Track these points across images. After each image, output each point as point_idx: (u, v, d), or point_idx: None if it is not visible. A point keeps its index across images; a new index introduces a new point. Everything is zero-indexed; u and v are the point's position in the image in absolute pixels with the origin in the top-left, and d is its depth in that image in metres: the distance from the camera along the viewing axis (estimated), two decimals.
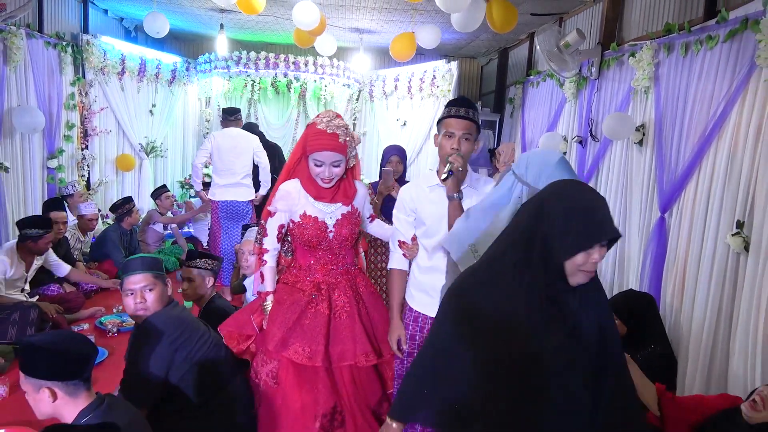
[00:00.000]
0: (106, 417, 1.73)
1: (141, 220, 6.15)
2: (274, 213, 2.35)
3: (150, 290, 2.27)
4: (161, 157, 7.42)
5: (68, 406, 1.76)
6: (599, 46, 4.45)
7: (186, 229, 6.77)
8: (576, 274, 1.32)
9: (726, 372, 2.81)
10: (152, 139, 7.14)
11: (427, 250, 2.24)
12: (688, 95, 3.29)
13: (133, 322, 2.53)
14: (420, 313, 2.27)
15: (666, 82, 3.57)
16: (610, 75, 4.38)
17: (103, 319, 4.21)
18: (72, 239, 5.16)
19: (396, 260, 2.35)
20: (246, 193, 5.16)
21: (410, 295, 2.32)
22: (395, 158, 3.73)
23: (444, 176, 2.10)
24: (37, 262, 4.28)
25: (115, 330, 3.99)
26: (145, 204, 6.97)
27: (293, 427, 2.28)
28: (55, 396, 1.73)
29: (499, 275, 1.38)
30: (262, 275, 2.40)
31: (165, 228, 6.29)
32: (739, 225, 2.75)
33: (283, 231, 2.38)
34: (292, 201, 2.32)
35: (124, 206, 5.51)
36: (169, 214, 6.33)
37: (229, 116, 5.25)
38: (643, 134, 3.80)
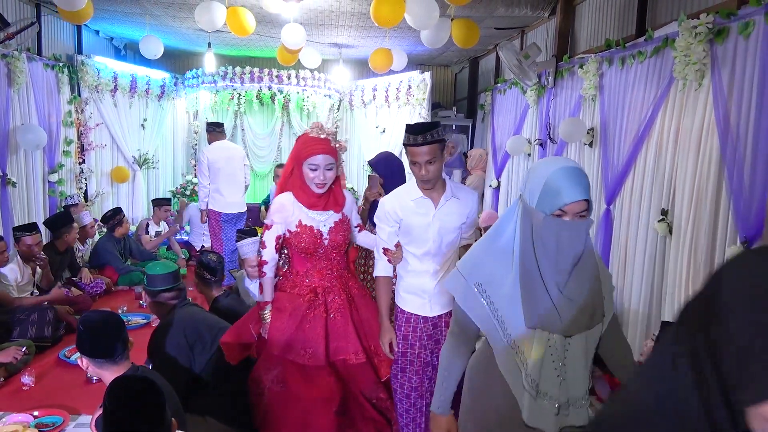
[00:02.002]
0: None
1: (136, 227, 6.55)
2: (271, 225, 2.47)
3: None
4: (153, 168, 7.80)
5: (106, 373, 2.17)
6: (554, 58, 4.95)
7: (180, 237, 7.15)
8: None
9: None
10: (144, 152, 7.51)
11: (416, 256, 2.35)
12: (625, 102, 3.79)
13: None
14: (412, 313, 2.38)
15: (608, 91, 4.07)
16: (564, 84, 4.88)
17: None
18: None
19: (381, 268, 2.44)
20: (243, 205, 5.58)
21: (401, 298, 2.42)
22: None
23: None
24: (39, 269, 4.66)
25: None
26: (139, 213, 7.34)
27: (307, 419, 2.41)
28: (86, 365, 2.17)
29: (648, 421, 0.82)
30: (261, 286, 2.53)
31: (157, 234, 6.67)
32: (664, 213, 3.24)
33: (280, 242, 2.50)
34: (287, 213, 2.44)
35: (114, 218, 5.79)
36: (162, 223, 6.70)
37: (217, 128, 5.65)
38: (593, 137, 4.29)
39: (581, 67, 4.38)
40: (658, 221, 3.25)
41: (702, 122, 2.99)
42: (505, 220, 1.51)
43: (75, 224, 5.08)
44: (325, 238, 2.45)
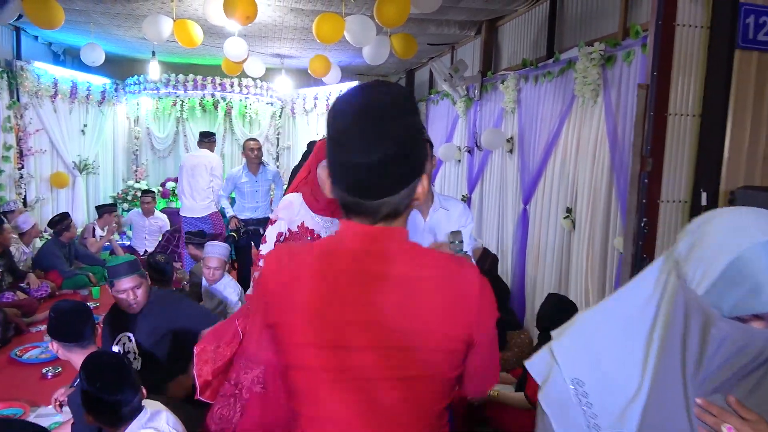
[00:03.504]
0: None
1: (81, 231, 6.60)
2: (275, 221, 2.46)
3: (139, 287, 2.73)
4: (94, 174, 7.81)
5: (74, 356, 2.41)
6: (479, 74, 5.48)
7: (122, 242, 7.21)
8: None
9: None
10: (85, 157, 7.52)
11: None
12: (538, 115, 4.33)
13: None
14: None
15: (525, 105, 4.61)
16: (488, 97, 5.42)
17: None
18: (17, 252, 5.55)
19: None
20: (203, 210, 5.71)
21: None
22: None
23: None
24: None
25: None
26: (80, 219, 7.33)
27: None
28: (57, 348, 2.41)
29: None
30: (254, 279, 2.47)
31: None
32: (569, 210, 3.78)
33: (281, 239, 2.47)
34: (293, 211, 2.43)
35: (62, 222, 5.89)
36: (107, 227, 6.76)
37: (203, 138, 5.93)
38: (512, 145, 4.82)
39: (503, 82, 4.91)
40: (564, 218, 3.78)
41: (597, 134, 3.54)
42: (636, 292, 0.97)
43: (6, 225, 5.12)
44: None
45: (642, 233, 2.23)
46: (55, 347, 2.45)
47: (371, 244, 1.00)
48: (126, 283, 2.69)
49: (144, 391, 2.08)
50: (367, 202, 0.98)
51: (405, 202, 1.00)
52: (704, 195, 2.19)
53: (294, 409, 1.11)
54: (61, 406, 2.51)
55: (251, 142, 5.20)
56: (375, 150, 0.93)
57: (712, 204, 2.19)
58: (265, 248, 2.48)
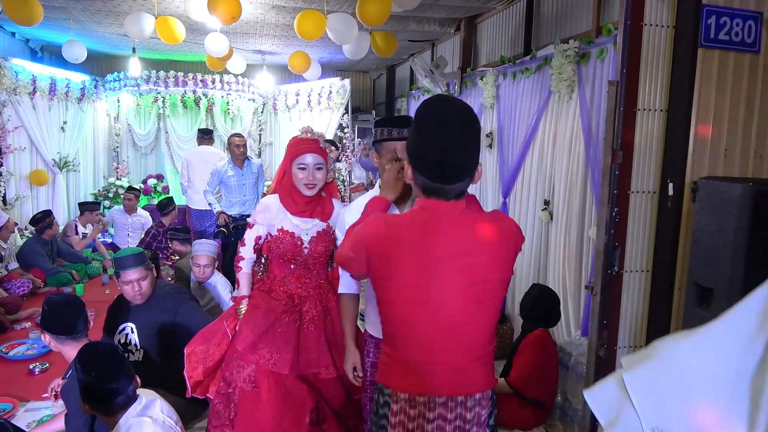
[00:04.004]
0: None
1: (63, 228, 6.57)
2: (253, 225, 2.45)
3: (144, 279, 2.81)
4: (74, 171, 7.76)
5: (67, 348, 2.46)
6: (459, 70, 5.58)
7: (104, 239, 7.19)
8: None
9: None
10: (65, 155, 7.47)
11: None
12: (516, 110, 4.45)
13: None
14: (380, 339, 2.05)
15: (504, 100, 4.72)
16: (468, 92, 5.53)
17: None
18: None
19: (345, 284, 2.13)
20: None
21: (371, 322, 2.11)
22: None
23: None
24: None
25: None
26: (60, 216, 7.28)
27: (281, 424, 2.33)
28: (49, 341, 2.46)
29: None
30: (237, 281, 2.53)
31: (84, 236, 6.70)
32: (546, 203, 3.91)
33: (260, 242, 2.48)
34: (271, 215, 2.39)
35: (44, 220, 5.85)
36: (89, 225, 6.73)
37: (204, 135, 6.21)
38: (492, 140, 4.94)
39: (482, 78, 5.02)
40: (542, 210, 3.91)
41: (572, 128, 3.66)
42: (736, 327, 0.82)
43: None
44: (305, 247, 2.39)
45: (613, 223, 2.35)
46: (47, 339, 2.49)
47: (447, 214, 1.43)
48: (132, 274, 2.78)
49: (138, 380, 2.15)
50: (446, 186, 1.42)
51: (468, 184, 1.45)
52: (671, 186, 2.32)
53: (389, 332, 1.54)
54: (56, 397, 2.57)
55: (236, 138, 5.29)
56: (462, 151, 1.38)
57: (679, 194, 2.32)
58: (243, 251, 2.50)
